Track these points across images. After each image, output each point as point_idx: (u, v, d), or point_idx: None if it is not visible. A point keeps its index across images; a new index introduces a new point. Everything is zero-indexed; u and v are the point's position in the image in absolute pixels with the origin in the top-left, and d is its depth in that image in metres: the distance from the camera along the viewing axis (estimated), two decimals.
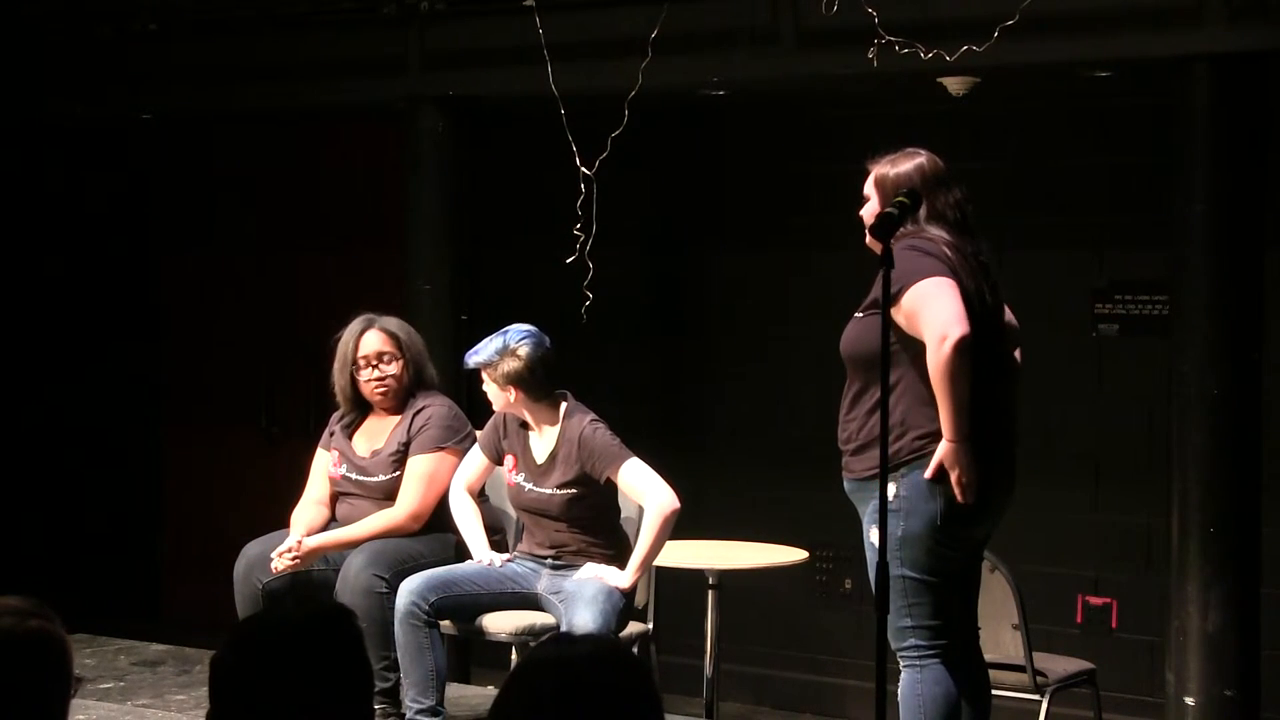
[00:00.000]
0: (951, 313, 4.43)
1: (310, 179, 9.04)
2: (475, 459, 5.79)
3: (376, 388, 5.88)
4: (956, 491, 4.50)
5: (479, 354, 5.62)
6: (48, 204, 9.24)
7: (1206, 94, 6.04)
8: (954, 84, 6.74)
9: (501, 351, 5.55)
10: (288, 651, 2.48)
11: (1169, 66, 6.17)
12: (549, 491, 5.56)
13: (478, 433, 5.89)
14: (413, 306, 7.16)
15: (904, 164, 4.70)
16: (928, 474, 4.50)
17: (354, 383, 5.91)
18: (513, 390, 5.57)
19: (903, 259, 4.45)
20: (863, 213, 4.77)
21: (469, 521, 5.73)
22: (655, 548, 5.48)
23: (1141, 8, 6.09)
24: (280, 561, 5.68)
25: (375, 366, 5.88)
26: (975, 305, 4.53)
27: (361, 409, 5.98)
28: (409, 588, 5.48)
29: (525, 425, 5.67)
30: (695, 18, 6.72)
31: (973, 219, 4.69)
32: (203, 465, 9.32)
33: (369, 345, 5.89)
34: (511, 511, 5.89)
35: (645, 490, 5.46)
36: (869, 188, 4.77)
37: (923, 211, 4.60)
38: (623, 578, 5.45)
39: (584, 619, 5.25)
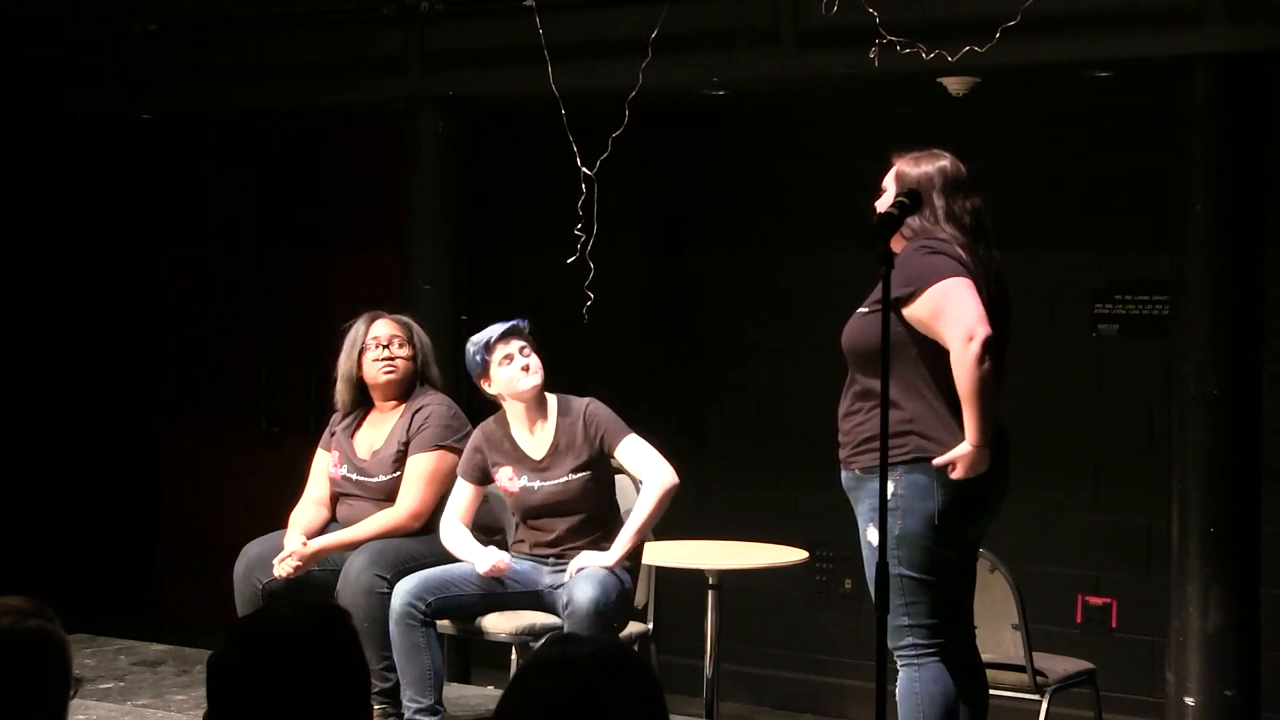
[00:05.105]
0: (975, 313, 4.41)
1: (310, 179, 9.04)
2: (462, 491, 5.67)
3: (384, 368, 5.87)
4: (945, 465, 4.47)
5: (511, 323, 5.60)
6: (48, 204, 9.25)
7: (1206, 94, 6.05)
8: (954, 84, 6.74)
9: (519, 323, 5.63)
10: (283, 651, 2.48)
11: (1169, 66, 6.17)
12: (564, 479, 5.53)
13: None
14: (413, 306, 7.14)
15: (926, 164, 4.67)
16: (938, 461, 4.47)
17: (359, 370, 5.91)
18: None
19: (916, 259, 4.43)
20: (878, 203, 4.75)
21: (464, 545, 5.60)
22: (650, 521, 5.47)
23: (1141, 8, 6.09)
24: (282, 567, 5.66)
25: (385, 347, 5.89)
26: (988, 310, 4.51)
27: (361, 403, 5.98)
28: (404, 588, 5.45)
29: (509, 435, 5.62)
30: (695, 18, 6.72)
31: (990, 227, 4.66)
32: (203, 465, 9.32)
33: (381, 329, 5.92)
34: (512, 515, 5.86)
35: (645, 464, 5.48)
36: (889, 180, 4.75)
37: (940, 213, 4.58)
38: (612, 553, 5.42)
39: (583, 591, 5.25)
